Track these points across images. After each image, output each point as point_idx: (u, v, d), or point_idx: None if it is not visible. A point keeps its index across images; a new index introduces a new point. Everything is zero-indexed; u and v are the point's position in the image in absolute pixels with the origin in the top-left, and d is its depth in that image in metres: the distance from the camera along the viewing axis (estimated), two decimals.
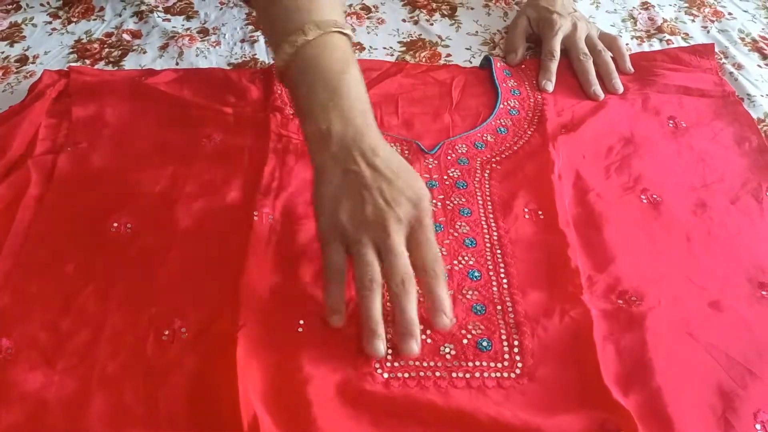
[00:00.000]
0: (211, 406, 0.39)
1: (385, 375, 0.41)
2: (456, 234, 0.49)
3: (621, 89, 0.62)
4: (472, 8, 0.76)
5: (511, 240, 0.49)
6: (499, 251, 0.48)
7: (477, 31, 0.72)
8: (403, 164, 0.45)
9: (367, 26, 0.73)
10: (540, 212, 0.51)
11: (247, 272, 0.45)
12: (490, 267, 0.47)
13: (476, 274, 0.47)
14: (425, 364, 0.42)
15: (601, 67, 0.64)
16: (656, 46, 0.71)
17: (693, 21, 0.74)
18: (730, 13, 0.75)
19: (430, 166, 0.55)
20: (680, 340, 0.43)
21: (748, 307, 0.45)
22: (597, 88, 0.62)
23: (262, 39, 0.70)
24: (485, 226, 0.50)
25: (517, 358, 0.42)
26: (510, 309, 0.44)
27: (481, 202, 0.51)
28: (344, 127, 0.44)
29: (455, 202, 0.52)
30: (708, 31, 0.73)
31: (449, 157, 0.55)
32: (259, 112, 0.58)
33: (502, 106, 0.61)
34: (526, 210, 0.51)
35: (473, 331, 0.43)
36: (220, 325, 0.43)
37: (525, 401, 0.40)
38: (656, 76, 0.65)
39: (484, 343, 0.43)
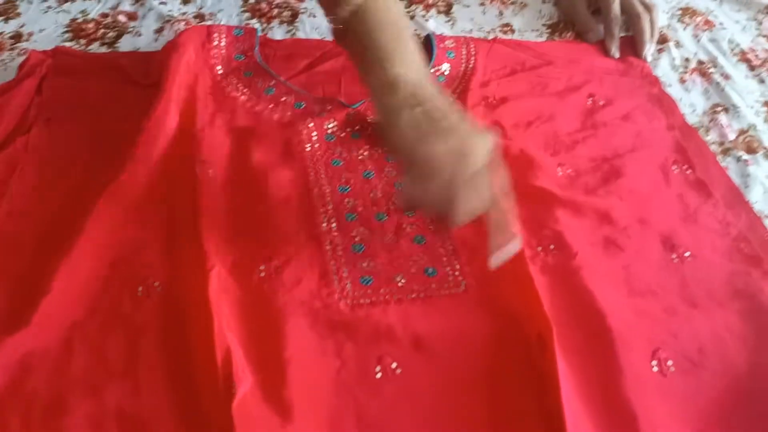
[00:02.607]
0: (186, 348, 0.44)
1: (349, 302, 0.48)
2: (386, 178, 0.57)
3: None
4: (467, 6, 0.78)
5: None
6: None
7: (471, 29, 0.75)
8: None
9: None
10: None
11: (205, 222, 0.50)
12: None
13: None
14: (382, 290, 0.49)
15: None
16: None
17: (684, 29, 0.77)
18: (721, 23, 0.78)
19: (351, 118, 0.61)
20: (589, 288, 0.49)
21: (659, 268, 0.52)
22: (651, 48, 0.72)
23: (258, 26, 0.71)
24: None
25: (460, 278, 0.50)
26: (447, 237, 0.52)
27: None
28: (412, 73, 0.47)
29: (380, 150, 0.59)
30: (699, 40, 0.75)
31: (369, 110, 0.62)
32: (196, 71, 0.64)
33: (431, 71, 0.67)
34: None
35: (419, 262, 0.51)
36: (188, 272, 0.48)
37: (472, 312, 0.48)
38: (585, 58, 0.72)
39: (430, 270, 0.50)
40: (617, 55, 0.72)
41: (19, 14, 0.73)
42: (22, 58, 0.66)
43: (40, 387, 0.42)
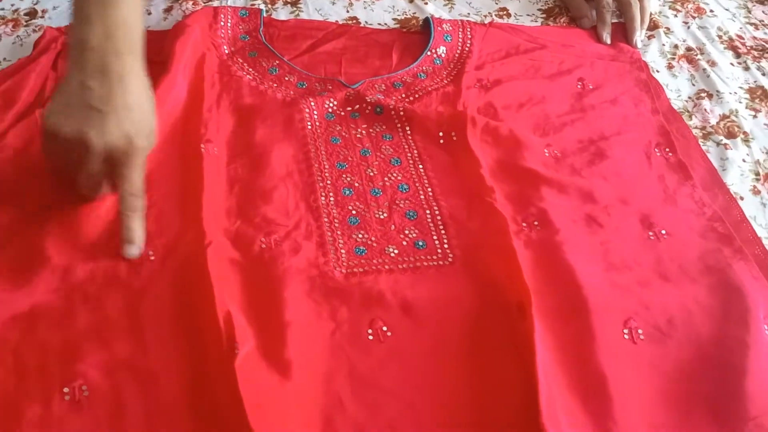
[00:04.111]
0: (189, 312, 0.48)
1: (344, 271, 0.51)
2: (382, 156, 0.60)
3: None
4: None
5: (430, 156, 0.60)
6: (421, 166, 0.59)
7: (469, 13, 0.77)
8: (144, 102, 0.50)
9: (364, 1, 0.77)
10: (453, 134, 0.61)
11: (206, 199, 0.53)
12: (416, 179, 0.58)
13: (405, 186, 0.57)
14: (375, 261, 0.52)
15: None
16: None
17: (676, 16, 0.79)
18: (711, 11, 0.80)
19: (351, 98, 0.64)
20: (569, 262, 0.52)
21: (636, 244, 0.55)
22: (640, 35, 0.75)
23: (263, 7, 0.73)
24: (406, 146, 0.61)
25: (448, 251, 0.53)
26: (437, 212, 0.55)
27: (399, 126, 0.63)
28: (103, 43, 0.48)
29: (377, 129, 0.62)
30: (688, 27, 0.78)
31: (368, 91, 0.65)
32: (204, 51, 0.67)
33: (429, 53, 0.70)
34: (440, 134, 0.61)
35: (410, 235, 0.54)
36: (185, 247, 0.51)
37: (458, 282, 0.51)
38: (577, 43, 0.75)
39: (420, 243, 0.53)
40: (609, 41, 0.75)
41: None
42: (37, 35, 0.69)
43: (52, 337, 0.46)
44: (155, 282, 0.50)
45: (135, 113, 0.49)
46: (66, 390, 0.44)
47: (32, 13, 0.73)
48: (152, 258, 0.51)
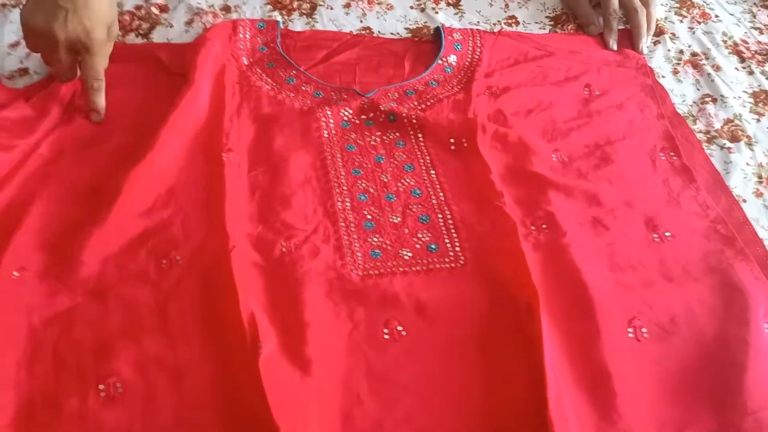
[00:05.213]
0: (214, 312, 0.51)
1: (360, 273, 0.53)
2: (396, 162, 0.62)
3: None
4: None
5: (442, 162, 0.62)
6: (433, 172, 0.62)
7: (479, 21, 0.79)
8: (102, 1, 0.61)
9: (377, 11, 0.79)
10: (464, 140, 0.64)
11: (228, 205, 0.56)
12: (428, 185, 0.60)
13: (417, 191, 0.60)
14: (389, 263, 0.54)
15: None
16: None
17: (681, 21, 0.81)
18: (717, 16, 0.81)
19: (365, 106, 0.67)
20: (575, 263, 0.54)
21: (640, 246, 0.57)
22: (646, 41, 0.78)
23: (279, 19, 0.75)
24: (419, 153, 0.63)
25: (460, 253, 0.55)
26: (449, 216, 0.58)
27: (411, 133, 0.65)
28: None
29: (390, 137, 0.65)
30: (694, 32, 0.79)
31: (382, 99, 0.68)
32: (224, 62, 0.70)
33: (440, 62, 0.73)
34: (452, 140, 0.64)
35: (423, 238, 0.56)
36: (210, 251, 0.54)
37: (469, 283, 0.53)
38: (584, 49, 0.77)
39: (433, 246, 0.56)
40: (615, 47, 0.77)
41: None
42: None
43: (87, 336, 0.49)
44: (183, 284, 0.52)
45: (94, 10, 0.60)
46: (101, 387, 0.46)
47: None
48: (180, 261, 0.54)
